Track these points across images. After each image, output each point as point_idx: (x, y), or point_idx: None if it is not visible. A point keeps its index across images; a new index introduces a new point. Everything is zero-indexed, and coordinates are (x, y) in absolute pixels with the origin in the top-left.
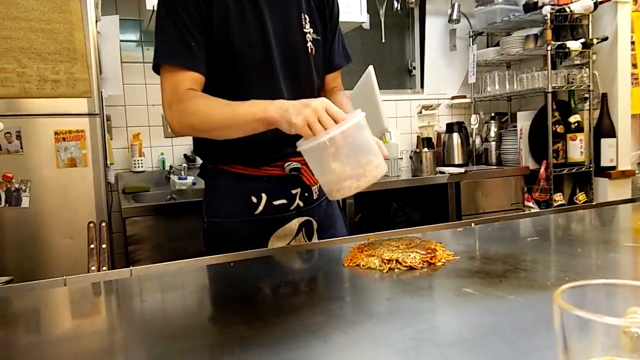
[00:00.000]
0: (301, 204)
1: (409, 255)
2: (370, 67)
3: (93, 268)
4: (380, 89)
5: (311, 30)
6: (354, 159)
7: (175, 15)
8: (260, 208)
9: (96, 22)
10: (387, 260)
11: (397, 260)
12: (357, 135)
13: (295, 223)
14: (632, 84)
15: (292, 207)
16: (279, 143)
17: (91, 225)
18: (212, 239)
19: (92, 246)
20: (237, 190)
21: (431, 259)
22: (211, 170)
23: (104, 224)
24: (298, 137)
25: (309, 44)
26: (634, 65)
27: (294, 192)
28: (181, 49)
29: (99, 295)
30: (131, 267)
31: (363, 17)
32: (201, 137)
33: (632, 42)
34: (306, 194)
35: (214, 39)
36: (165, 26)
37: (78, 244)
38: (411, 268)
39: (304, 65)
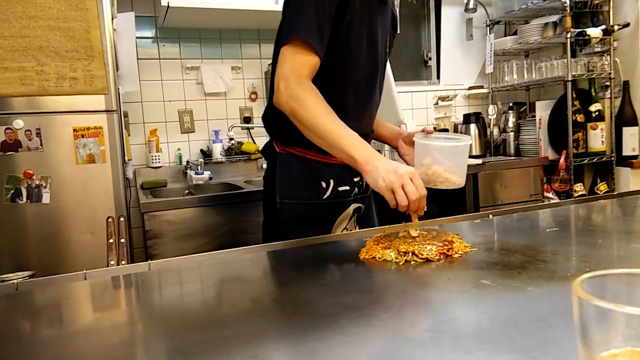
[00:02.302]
0: (357, 190)
1: (426, 248)
2: None
3: (112, 262)
4: (395, 81)
5: (388, 51)
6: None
7: None
8: (328, 193)
9: (112, 19)
10: (403, 252)
11: (413, 253)
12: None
13: (351, 208)
14: None
15: (352, 194)
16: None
17: (110, 220)
18: (285, 219)
19: (111, 241)
20: (308, 175)
21: (448, 250)
22: (283, 154)
23: (122, 219)
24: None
25: (387, 62)
26: None
27: (355, 179)
28: (317, 32)
29: (118, 288)
30: (150, 261)
31: None
32: (282, 119)
33: None
34: (361, 182)
35: (336, 36)
36: (306, 4)
37: (98, 239)
38: (428, 260)
39: (382, 81)
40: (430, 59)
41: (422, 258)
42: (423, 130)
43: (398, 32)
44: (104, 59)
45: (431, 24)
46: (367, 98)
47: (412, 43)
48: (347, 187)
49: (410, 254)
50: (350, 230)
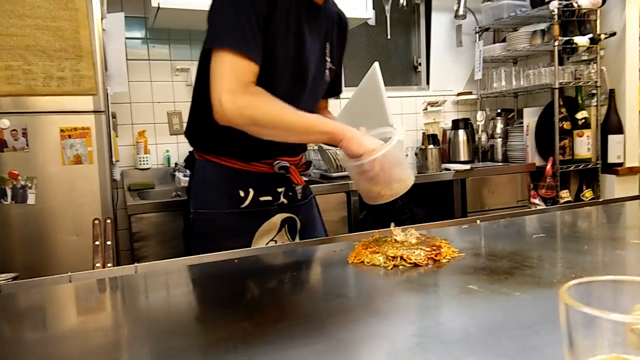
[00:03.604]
0: (285, 201)
1: (414, 252)
2: (376, 64)
3: (98, 265)
4: (385, 86)
5: (329, 59)
6: (388, 176)
7: (244, 5)
8: (247, 202)
9: (102, 19)
10: (391, 257)
11: (401, 257)
12: (391, 156)
13: (277, 219)
14: None
15: (275, 204)
16: (271, 142)
17: (96, 222)
18: (197, 230)
19: (97, 243)
20: (225, 183)
21: (436, 255)
22: (200, 161)
23: (109, 221)
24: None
25: (327, 71)
26: None
27: (279, 190)
28: (250, 40)
29: (103, 291)
30: (136, 264)
31: (368, 14)
32: (202, 127)
33: None
34: (290, 193)
35: (265, 40)
36: (232, 11)
37: (83, 240)
38: (416, 265)
39: (320, 90)
40: (420, 64)
41: (410, 263)
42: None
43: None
44: (93, 59)
45: (421, 30)
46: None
47: (402, 48)
48: (269, 197)
49: (399, 258)
50: (283, 243)
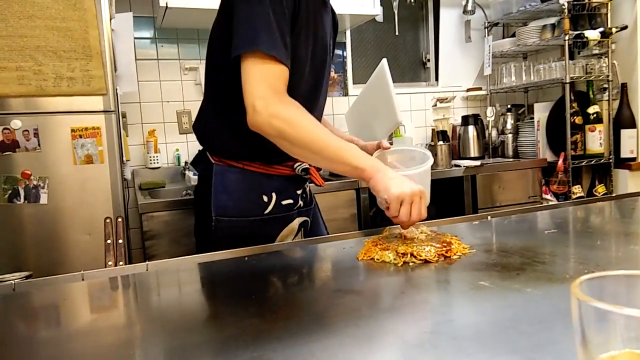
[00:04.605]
0: (302, 204)
1: (424, 249)
2: (384, 60)
3: (110, 263)
4: (394, 82)
5: (331, 55)
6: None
7: (272, 5)
8: (270, 207)
9: (110, 19)
10: (401, 253)
11: (411, 254)
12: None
13: (296, 222)
14: None
15: (295, 207)
16: None
17: (108, 221)
18: (220, 238)
19: (109, 242)
20: (248, 189)
21: (446, 252)
22: (220, 166)
23: (120, 220)
24: None
25: (331, 66)
26: None
27: (298, 192)
28: (281, 44)
29: (116, 289)
30: (147, 262)
31: (376, 10)
32: (218, 129)
33: None
34: (304, 195)
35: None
36: (262, 13)
37: (95, 239)
38: (426, 261)
39: (327, 86)
40: (428, 60)
41: (420, 259)
42: (379, 147)
43: (338, 30)
44: (102, 59)
45: (429, 25)
46: (314, 105)
47: (411, 45)
48: (290, 200)
49: (409, 255)
50: None
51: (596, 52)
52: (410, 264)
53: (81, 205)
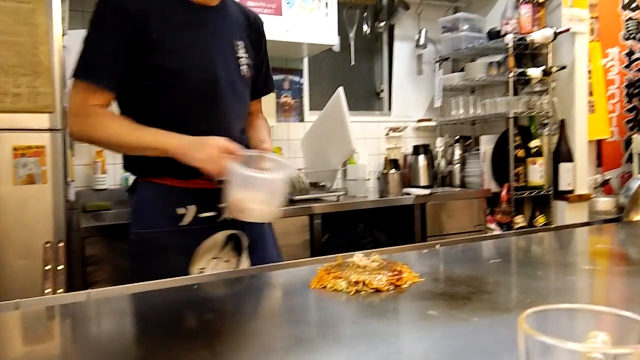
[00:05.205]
0: (229, 217)
1: (376, 277)
2: (340, 89)
3: (48, 290)
4: (349, 111)
5: (245, 56)
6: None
7: (103, 29)
8: (188, 219)
9: (62, 35)
10: (354, 282)
11: (363, 283)
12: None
13: (221, 235)
14: (589, 111)
15: (219, 220)
16: None
17: (48, 245)
18: (137, 251)
19: (47, 267)
20: (163, 202)
21: (397, 280)
22: (141, 183)
23: (61, 244)
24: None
25: (243, 67)
26: (591, 93)
27: (222, 205)
28: (99, 67)
29: (52, 319)
30: (89, 290)
31: (333, 40)
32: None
33: (589, 71)
34: None
35: (150, 56)
36: (90, 38)
37: (33, 265)
38: (377, 290)
39: (242, 88)
40: (382, 91)
41: (372, 288)
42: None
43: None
44: (51, 75)
45: (384, 57)
46: (211, 110)
47: (366, 75)
48: (211, 213)
49: (361, 283)
50: (226, 260)
51: (538, 89)
52: (362, 292)
53: (19, 228)
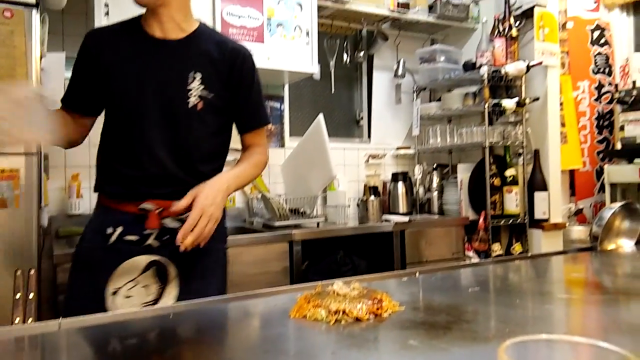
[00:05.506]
0: (156, 244)
1: (356, 306)
2: (320, 116)
3: (17, 320)
4: (329, 137)
5: (201, 88)
6: None
7: (75, 66)
8: (113, 239)
9: (41, 58)
10: (334, 311)
11: (343, 312)
12: None
13: (142, 260)
14: (561, 141)
15: (143, 245)
16: (139, 183)
17: (18, 273)
18: (75, 263)
19: (17, 296)
20: (100, 221)
21: (377, 309)
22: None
23: (33, 272)
24: (163, 179)
25: (192, 99)
26: (563, 125)
27: (147, 232)
28: (66, 94)
29: (21, 351)
30: (60, 320)
31: (314, 68)
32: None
33: (561, 103)
34: (166, 237)
35: (101, 83)
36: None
37: (2, 292)
38: (358, 319)
39: (185, 119)
40: (362, 118)
41: (352, 317)
42: None
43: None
44: None
45: (363, 86)
46: (135, 138)
47: (345, 103)
48: (135, 237)
49: (341, 312)
50: (145, 285)
51: (512, 119)
52: (342, 322)
53: None
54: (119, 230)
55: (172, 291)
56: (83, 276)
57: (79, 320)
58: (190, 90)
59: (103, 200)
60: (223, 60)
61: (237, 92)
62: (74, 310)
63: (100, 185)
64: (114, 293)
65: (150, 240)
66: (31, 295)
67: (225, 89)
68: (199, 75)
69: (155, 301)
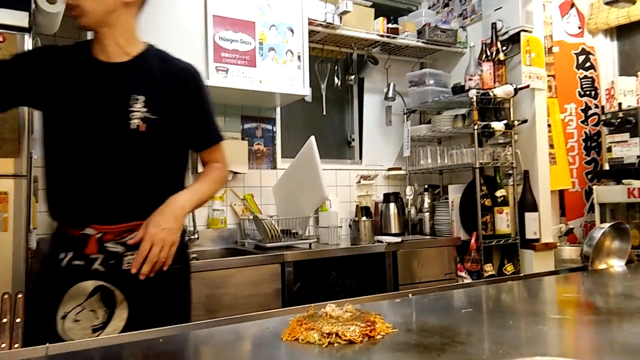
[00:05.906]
0: (101, 269)
1: (349, 329)
2: (312, 138)
3: (3, 345)
4: (321, 158)
5: (144, 109)
6: None
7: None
8: (64, 264)
9: None
10: (326, 333)
11: (336, 334)
12: None
13: (89, 285)
14: (550, 162)
15: (90, 269)
16: (82, 208)
17: (5, 297)
18: (35, 282)
19: (4, 320)
20: (55, 245)
21: (370, 332)
22: None
23: (20, 296)
24: (107, 202)
25: (134, 120)
26: (551, 146)
27: (92, 257)
28: None
29: None
30: (47, 345)
31: (306, 91)
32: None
33: (549, 125)
34: (112, 262)
35: (41, 102)
36: None
37: None
38: (351, 342)
39: (127, 141)
40: (353, 140)
41: (345, 340)
42: None
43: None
44: (19, 121)
45: (354, 108)
46: (72, 159)
47: (337, 124)
48: (81, 262)
49: (334, 335)
50: (92, 310)
51: (501, 141)
52: (335, 344)
53: None
54: (70, 255)
55: (122, 314)
56: (38, 301)
57: (65, 345)
58: (133, 112)
59: (57, 225)
60: (168, 80)
61: (185, 111)
62: (30, 335)
63: (50, 211)
64: (63, 317)
65: (96, 265)
66: (18, 320)
67: (171, 110)
68: (142, 98)
69: (104, 324)
